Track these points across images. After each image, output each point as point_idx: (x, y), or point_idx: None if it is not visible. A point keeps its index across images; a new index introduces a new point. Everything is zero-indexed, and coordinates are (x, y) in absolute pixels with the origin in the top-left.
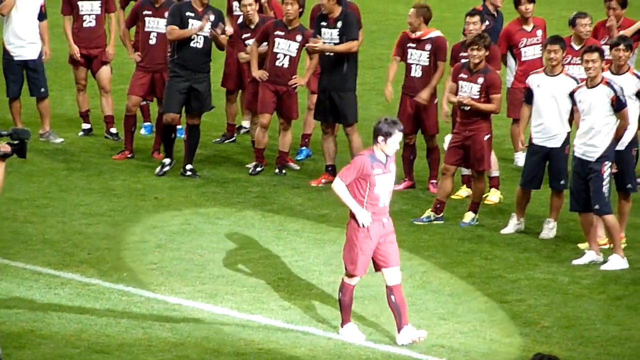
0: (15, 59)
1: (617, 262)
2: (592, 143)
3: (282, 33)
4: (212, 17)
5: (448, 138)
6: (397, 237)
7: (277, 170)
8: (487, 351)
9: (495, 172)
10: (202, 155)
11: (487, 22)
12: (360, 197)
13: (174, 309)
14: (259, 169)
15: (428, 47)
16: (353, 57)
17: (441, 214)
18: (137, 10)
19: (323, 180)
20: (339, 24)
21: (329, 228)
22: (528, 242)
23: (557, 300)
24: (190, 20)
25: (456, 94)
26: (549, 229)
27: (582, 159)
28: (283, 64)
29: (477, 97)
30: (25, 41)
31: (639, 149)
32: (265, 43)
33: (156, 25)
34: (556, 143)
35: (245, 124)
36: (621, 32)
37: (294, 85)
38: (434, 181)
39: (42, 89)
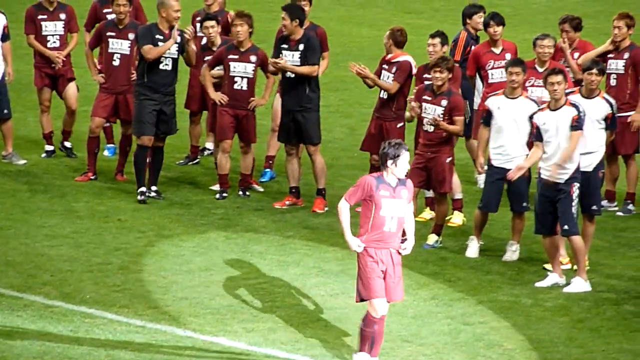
0: None
1: (580, 285)
2: (560, 165)
3: (236, 56)
4: (178, 37)
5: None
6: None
7: (240, 193)
8: None
9: (458, 195)
10: (166, 177)
11: (472, 47)
12: (366, 219)
13: (137, 331)
14: (225, 194)
15: (394, 69)
16: (314, 78)
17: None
18: (101, 31)
19: (287, 202)
20: (301, 47)
21: (293, 250)
22: (491, 265)
23: (520, 323)
24: (160, 43)
25: (420, 115)
26: (512, 252)
27: (550, 181)
28: (242, 87)
29: (441, 119)
30: None
31: (604, 172)
32: (218, 67)
33: (119, 46)
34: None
35: (209, 145)
36: (583, 55)
37: (253, 107)
38: None
39: (5, 110)
